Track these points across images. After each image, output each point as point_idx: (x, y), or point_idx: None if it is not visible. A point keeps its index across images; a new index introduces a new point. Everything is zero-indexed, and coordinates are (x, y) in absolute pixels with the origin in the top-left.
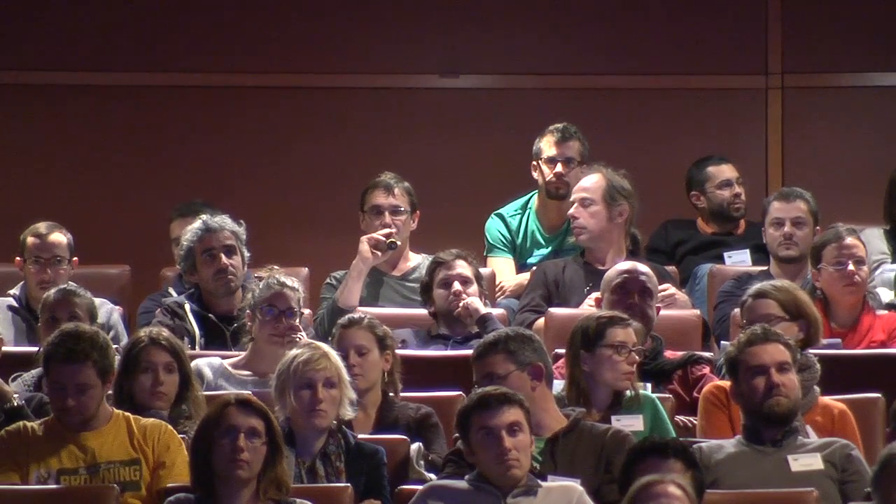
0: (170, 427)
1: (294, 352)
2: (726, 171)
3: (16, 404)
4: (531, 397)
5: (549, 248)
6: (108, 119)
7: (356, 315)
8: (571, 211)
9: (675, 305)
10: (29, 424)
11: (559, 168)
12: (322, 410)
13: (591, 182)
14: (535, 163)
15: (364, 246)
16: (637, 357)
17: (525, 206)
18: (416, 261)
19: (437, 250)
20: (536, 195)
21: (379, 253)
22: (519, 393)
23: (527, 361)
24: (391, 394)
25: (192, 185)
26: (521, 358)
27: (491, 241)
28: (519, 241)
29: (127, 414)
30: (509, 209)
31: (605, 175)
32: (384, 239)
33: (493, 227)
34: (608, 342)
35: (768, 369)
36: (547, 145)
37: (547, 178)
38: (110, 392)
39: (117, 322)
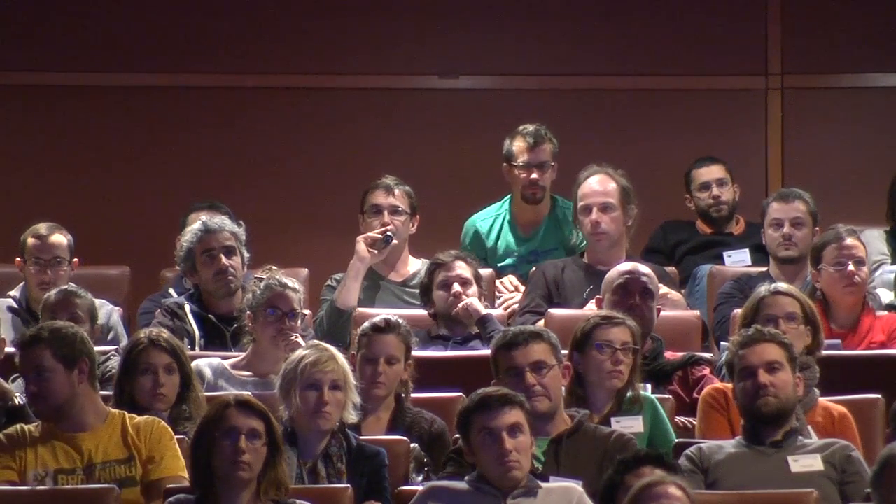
0: (162, 422)
1: (301, 352)
2: (710, 172)
3: (17, 403)
4: (559, 395)
5: (524, 249)
6: (109, 119)
7: (392, 318)
8: (593, 217)
9: (669, 305)
10: (26, 427)
11: (534, 175)
12: (327, 412)
13: (607, 187)
14: (505, 165)
15: (360, 245)
16: (622, 356)
17: (500, 209)
18: (417, 266)
19: (436, 252)
20: (511, 196)
21: (376, 251)
22: (551, 389)
23: (560, 359)
24: (403, 396)
25: (192, 186)
26: (558, 354)
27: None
28: (490, 244)
29: (123, 412)
30: (483, 214)
31: (616, 178)
32: (380, 236)
33: (465, 238)
34: (593, 342)
35: (756, 370)
36: (519, 151)
37: (522, 184)
38: (110, 393)
39: (117, 323)
